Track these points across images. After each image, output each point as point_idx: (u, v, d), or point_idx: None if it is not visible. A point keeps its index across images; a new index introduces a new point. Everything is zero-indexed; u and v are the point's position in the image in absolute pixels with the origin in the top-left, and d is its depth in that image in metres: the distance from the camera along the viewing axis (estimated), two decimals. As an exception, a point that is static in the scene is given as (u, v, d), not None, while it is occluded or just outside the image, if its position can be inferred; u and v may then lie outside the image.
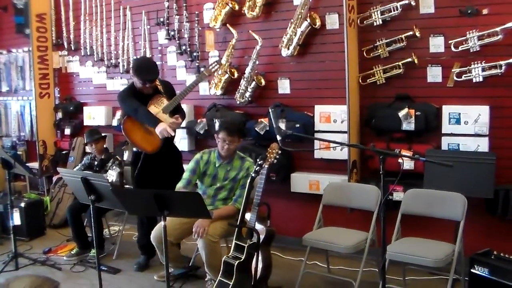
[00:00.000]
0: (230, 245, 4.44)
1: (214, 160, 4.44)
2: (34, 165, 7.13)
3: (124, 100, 4.76)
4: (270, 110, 3.62)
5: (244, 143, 5.39)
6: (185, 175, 4.47)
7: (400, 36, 4.65)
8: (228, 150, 4.32)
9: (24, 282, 1.30)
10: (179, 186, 4.40)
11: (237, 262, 3.81)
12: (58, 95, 7.37)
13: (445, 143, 4.56)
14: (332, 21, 5.01)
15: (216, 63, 5.00)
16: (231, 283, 3.82)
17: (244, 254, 3.84)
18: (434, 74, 4.62)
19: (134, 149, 4.93)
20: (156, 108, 4.70)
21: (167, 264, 3.57)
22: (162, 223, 3.51)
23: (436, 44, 4.58)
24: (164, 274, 3.77)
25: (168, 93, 4.78)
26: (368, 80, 4.85)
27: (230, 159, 4.41)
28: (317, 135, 5.11)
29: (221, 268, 3.93)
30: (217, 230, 4.15)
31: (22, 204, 6.04)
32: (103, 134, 5.67)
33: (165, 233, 3.51)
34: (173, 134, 4.68)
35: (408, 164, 4.54)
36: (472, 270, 3.89)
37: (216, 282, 3.95)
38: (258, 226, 4.04)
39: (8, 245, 5.24)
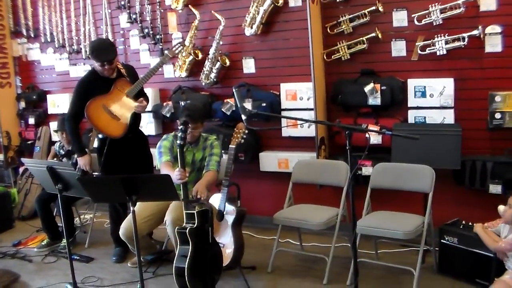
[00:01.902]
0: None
1: None
2: (-1, 156, 6.99)
3: (73, 96, 4.72)
4: (234, 90, 3.57)
5: (211, 125, 5.37)
6: (165, 155, 4.32)
7: (363, 11, 4.64)
8: (192, 137, 4.26)
9: (-17, 275, 1.26)
10: (166, 159, 4.28)
11: (188, 227, 3.67)
12: (20, 84, 7.20)
13: (412, 116, 4.59)
14: (295, -2, 4.99)
15: (179, 44, 4.93)
16: (190, 248, 3.67)
17: (196, 220, 3.68)
18: (398, 48, 4.63)
19: (100, 135, 4.80)
20: (120, 92, 4.59)
21: (139, 251, 3.54)
22: (130, 217, 3.45)
23: (399, 18, 4.59)
24: (136, 260, 3.74)
25: (131, 76, 4.68)
26: (333, 57, 4.84)
27: (196, 143, 4.38)
28: (284, 113, 5.09)
29: (178, 240, 3.76)
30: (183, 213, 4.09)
31: (-12, 197, 5.92)
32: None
33: (135, 219, 3.47)
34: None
35: (375, 139, 4.56)
36: (442, 241, 3.98)
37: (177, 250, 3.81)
38: (229, 207, 4.04)
39: (-25, 240, 5.16)
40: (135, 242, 3.53)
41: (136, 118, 4.71)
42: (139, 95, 4.67)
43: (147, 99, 4.78)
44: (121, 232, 4.25)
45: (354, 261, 3.15)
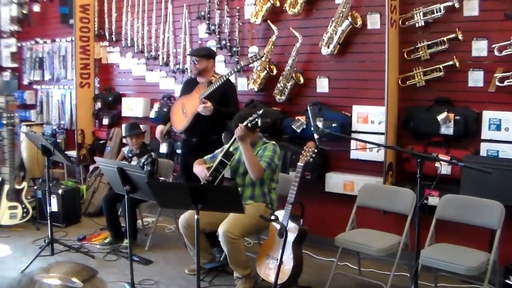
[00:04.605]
0: (261, 242, 4.47)
1: None
2: (72, 153, 7.24)
3: None
4: (308, 108, 3.58)
5: (280, 140, 5.39)
6: (216, 151, 4.69)
7: (442, 38, 4.57)
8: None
9: (65, 267, 1.32)
10: (205, 157, 4.68)
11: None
12: (98, 85, 7.47)
13: (484, 149, 4.46)
14: (374, 21, 4.95)
15: (256, 55, 5.01)
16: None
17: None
18: (475, 78, 4.52)
19: (168, 126, 5.51)
20: (197, 94, 5.01)
21: (198, 257, 3.61)
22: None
23: (479, 47, 4.48)
24: (195, 268, 3.80)
25: (218, 86, 4.89)
26: (407, 82, 4.78)
27: (253, 145, 4.45)
28: (354, 135, 5.06)
29: None
30: (238, 226, 4.15)
31: (60, 191, 6.17)
32: (143, 130, 5.79)
33: (198, 228, 3.54)
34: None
35: (445, 169, 4.45)
36: (506, 281, 3.84)
37: None
38: (291, 225, 4.04)
39: (45, 231, 5.35)
40: (196, 250, 3.61)
41: (203, 122, 4.96)
42: (223, 101, 4.96)
43: (232, 107, 5.03)
44: (180, 224, 4.43)
45: (414, 292, 3.10)
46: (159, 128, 5.47)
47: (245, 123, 4.09)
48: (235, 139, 4.32)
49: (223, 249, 4.22)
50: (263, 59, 5.47)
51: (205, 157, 4.69)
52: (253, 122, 4.09)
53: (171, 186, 4.27)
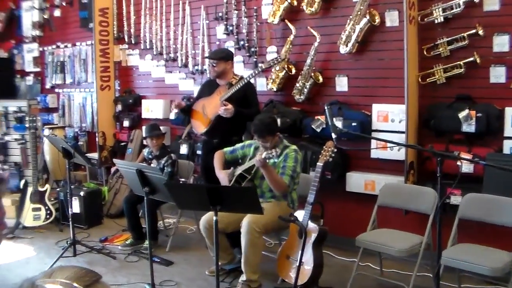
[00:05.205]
0: (282, 242, 4.45)
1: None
2: (94, 155, 7.32)
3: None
4: (326, 108, 3.55)
5: (300, 140, 5.36)
6: (237, 145, 4.75)
7: (462, 34, 4.49)
8: (264, 146, 4.40)
9: (67, 272, 1.31)
10: (225, 150, 4.74)
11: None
12: (118, 88, 7.52)
13: (507, 146, 4.37)
14: (392, 18, 4.89)
15: (277, 57, 4.98)
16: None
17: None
18: (497, 74, 4.44)
19: (188, 128, 5.77)
20: (217, 96, 5.04)
21: (217, 257, 3.61)
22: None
23: (501, 43, 4.40)
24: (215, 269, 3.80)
25: (239, 88, 4.90)
26: (427, 79, 4.72)
27: (273, 147, 4.41)
28: (374, 134, 5.00)
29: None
30: (262, 220, 4.12)
31: (82, 193, 6.24)
32: (163, 131, 5.81)
33: (217, 229, 3.54)
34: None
35: (467, 167, 4.38)
36: (532, 281, 3.76)
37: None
38: (311, 225, 4.01)
39: (68, 232, 5.39)
40: (215, 250, 3.61)
41: (224, 123, 4.97)
42: (243, 102, 4.97)
43: (253, 108, 5.05)
44: (201, 225, 4.44)
45: (436, 293, 3.05)
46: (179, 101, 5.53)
47: (263, 155, 4.05)
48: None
49: (242, 242, 4.19)
50: (283, 58, 5.45)
51: (225, 149, 4.73)
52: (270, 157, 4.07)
53: (189, 187, 4.27)
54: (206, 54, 6.15)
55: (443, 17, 4.57)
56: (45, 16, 8.27)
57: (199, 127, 5.29)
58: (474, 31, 4.42)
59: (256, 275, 4.26)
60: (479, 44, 4.48)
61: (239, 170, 4.49)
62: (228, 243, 4.67)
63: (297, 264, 3.79)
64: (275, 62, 4.99)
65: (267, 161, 4.12)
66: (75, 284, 1.25)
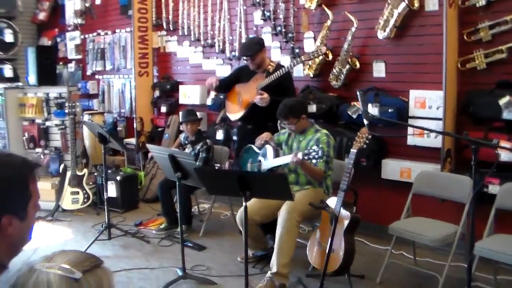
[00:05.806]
0: (315, 229, 4.40)
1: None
2: (132, 141, 7.41)
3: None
4: (358, 94, 3.48)
5: (336, 126, 5.29)
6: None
7: (505, 18, 4.33)
8: (291, 130, 4.46)
9: (68, 256, 1.31)
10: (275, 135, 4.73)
11: None
12: (156, 74, 7.58)
13: (550, 134, 4.22)
14: (432, 2, 4.74)
15: (319, 50, 4.89)
16: None
17: None
18: (541, 59, 4.28)
19: (222, 114, 5.81)
20: (254, 84, 5.02)
21: (246, 244, 3.59)
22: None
23: (546, 27, 4.24)
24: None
25: (277, 78, 4.86)
26: (467, 65, 4.57)
27: (303, 131, 4.44)
28: (411, 121, 4.89)
29: None
30: (302, 207, 4.08)
31: (118, 178, 6.32)
32: (199, 117, 5.80)
33: (246, 214, 3.52)
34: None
35: (506, 156, 4.23)
36: None
37: None
38: (343, 212, 3.95)
39: (104, 216, 5.47)
40: (244, 236, 3.59)
41: (259, 111, 4.93)
42: (280, 90, 4.88)
43: (289, 96, 4.86)
44: (238, 218, 4.43)
45: (468, 284, 2.96)
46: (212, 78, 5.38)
47: (299, 155, 3.96)
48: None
49: (278, 229, 4.12)
50: (319, 44, 5.39)
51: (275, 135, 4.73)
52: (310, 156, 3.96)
53: (219, 173, 4.26)
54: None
55: (485, 0, 4.41)
56: (87, 4, 8.39)
57: (233, 114, 5.30)
58: (517, 14, 4.26)
59: (287, 269, 4.10)
60: (522, 28, 4.32)
61: (268, 165, 4.46)
62: (262, 232, 4.67)
63: (327, 251, 3.74)
64: (315, 55, 4.90)
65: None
66: (73, 269, 1.25)
